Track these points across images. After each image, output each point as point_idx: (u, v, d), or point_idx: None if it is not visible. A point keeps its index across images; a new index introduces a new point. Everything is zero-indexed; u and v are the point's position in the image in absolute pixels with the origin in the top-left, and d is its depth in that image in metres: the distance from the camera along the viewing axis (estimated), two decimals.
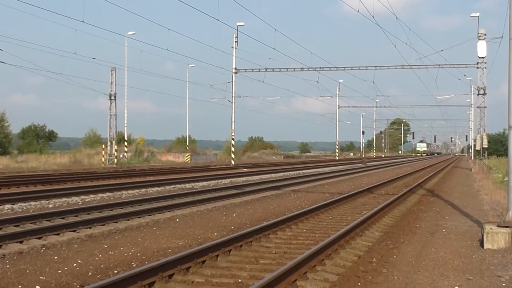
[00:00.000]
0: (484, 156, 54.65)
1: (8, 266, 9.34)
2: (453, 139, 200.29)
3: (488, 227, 11.48)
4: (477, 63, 47.45)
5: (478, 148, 54.29)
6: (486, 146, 51.30)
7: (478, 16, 46.58)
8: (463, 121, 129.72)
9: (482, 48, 46.09)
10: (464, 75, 57.67)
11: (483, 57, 46.87)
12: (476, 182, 32.64)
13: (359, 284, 8.26)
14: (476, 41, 46.30)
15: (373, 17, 27.37)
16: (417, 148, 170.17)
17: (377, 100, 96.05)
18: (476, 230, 13.72)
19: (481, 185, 29.20)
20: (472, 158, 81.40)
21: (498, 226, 11.51)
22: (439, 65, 47.69)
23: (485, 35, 45.81)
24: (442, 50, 48.38)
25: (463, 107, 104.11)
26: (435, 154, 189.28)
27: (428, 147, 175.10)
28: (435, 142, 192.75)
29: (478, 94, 50.22)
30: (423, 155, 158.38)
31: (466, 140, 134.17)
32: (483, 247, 11.34)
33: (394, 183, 30.89)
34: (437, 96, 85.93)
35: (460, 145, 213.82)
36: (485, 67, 47.49)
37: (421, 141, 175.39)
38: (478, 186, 28.75)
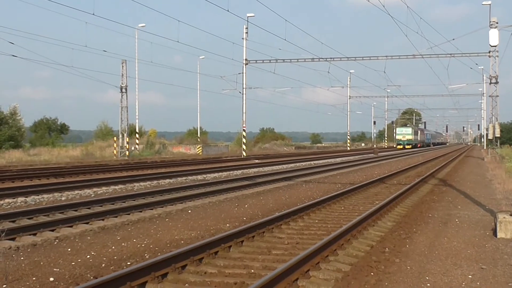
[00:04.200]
0: (497, 145, 54.40)
1: (22, 258, 9.40)
2: (465, 129, 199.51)
3: (501, 216, 11.43)
4: (489, 52, 47.05)
5: (490, 137, 53.98)
6: (499, 135, 51.00)
7: (489, 5, 46.21)
8: (475, 110, 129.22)
9: (494, 37, 45.72)
10: (476, 64, 57.59)
11: (495, 46, 46.52)
12: (489, 171, 32.48)
13: (372, 274, 8.25)
14: (488, 30, 45.98)
15: (383, 6, 27.18)
16: (397, 136, 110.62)
17: (388, 90, 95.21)
18: (489, 219, 13.66)
19: (494, 174, 29.05)
20: (485, 148, 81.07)
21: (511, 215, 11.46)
22: (450, 54, 47.32)
23: (497, 23, 45.44)
24: (453, 39, 47.91)
25: (475, 96, 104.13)
26: (447, 144, 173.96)
27: (418, 134, 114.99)
28: (446, 131, 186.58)
29: (490, 83, 49.86)
30: (406, 147, 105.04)
31: (478, 129, 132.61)
32: (496, 236, 11.30)
33: (406, 173, 30.81)
34: (448, 85, 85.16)
35: (472, 134, 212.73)
36: (497, 56, 47.10)
37: (405, 125, 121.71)
38: (491, 176, 28.61)
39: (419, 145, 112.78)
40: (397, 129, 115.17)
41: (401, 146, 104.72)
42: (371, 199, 17.96)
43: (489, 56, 47.36)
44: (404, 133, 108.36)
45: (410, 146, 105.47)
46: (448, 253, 9.85)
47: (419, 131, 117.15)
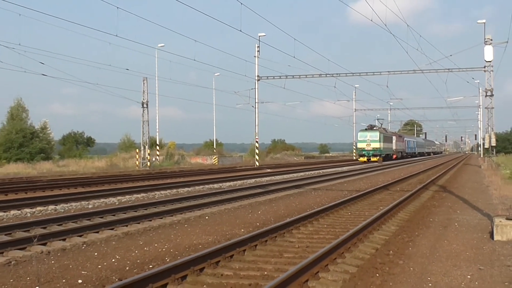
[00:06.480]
0: (493, 153, 54.14)
1: (52, 262, 9.45)
2: (463, 138, 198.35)
3: (497, 220, 11.36)
4: (484, 67, 46.98)
5: (486, 146, 53.77)
6: (494, 144, 50.79)
7: (484, 23, 46.13)
8: (472, 121, 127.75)
9: (489, 53, 45.68)
10: (472, 78, 57.44)
11: (490, 61, 46.44)
12: (486, 178, 32.24)
13: (377, 275, 8.22)
14: (483, 46, 45.92)
15: (385, 25, 27.23)
16: (359, 144, 69.93)
17: (390, 103, 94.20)
18: (486, 223, 13.57)
19: (490, 181, 28.83)
20: (481, 156, 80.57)
21: (507, 219, 11.38)
22: (448, 69, 47.38)
23: (491, 40, 45.40)
24: (451, 55, 48.26)
25: (472, 108, 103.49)
26: (446, 153, 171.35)
27: (392, 141, 76.67)
28: (445, 141, 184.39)
29: (486, 95, 49.81)
30: (372, 159, 66.67)
31: (475, 139, 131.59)
32: (493, 239, 11.23)
33: (408, 180, 30.66)
34: (447, 98, 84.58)
35: (469, 143, 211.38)
36: (492, 70, 47.09)
37: (371, 127, 70.82)
38: (488, 182, 28.40)
39: (394, 156, 77.55)
40: (359, 133, 71.08)
41: (365, 158, 67.05)
42: (376, 205, 17.88)
43: (485, 71, 47.32)
44: (369, 140, 68.02)
45: (377, 158, 67.16)
46: (448, 255, 9.79)
47: (394, 137, 78.77)
